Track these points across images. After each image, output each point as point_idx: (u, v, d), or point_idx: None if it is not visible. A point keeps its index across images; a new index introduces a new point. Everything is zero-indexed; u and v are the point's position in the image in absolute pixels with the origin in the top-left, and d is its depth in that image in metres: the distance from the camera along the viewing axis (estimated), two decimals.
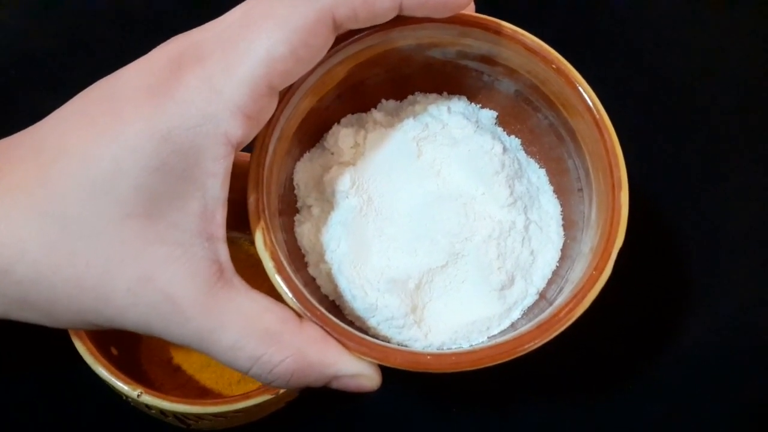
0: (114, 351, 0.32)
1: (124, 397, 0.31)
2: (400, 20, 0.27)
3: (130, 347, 0.35)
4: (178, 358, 0.35)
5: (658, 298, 0.40)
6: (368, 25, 0.26)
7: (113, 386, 0.30)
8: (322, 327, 0.25)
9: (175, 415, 0.31)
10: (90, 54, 0.45)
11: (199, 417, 0.31)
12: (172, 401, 0.30)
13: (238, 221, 0.27)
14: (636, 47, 0.47)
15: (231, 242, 0.27)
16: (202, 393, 0.35)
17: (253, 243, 0.38)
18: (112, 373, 0.30)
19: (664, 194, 0.43)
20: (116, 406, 0.34)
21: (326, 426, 0.36)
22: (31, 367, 0.36)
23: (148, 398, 0.30)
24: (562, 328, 0.25)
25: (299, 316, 0.25)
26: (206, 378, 0.35)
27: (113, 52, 0.44)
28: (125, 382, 0.30)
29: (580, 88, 0.28)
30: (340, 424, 0.36)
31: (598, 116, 0.28)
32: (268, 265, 0.25)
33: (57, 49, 0.45)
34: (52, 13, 0.46)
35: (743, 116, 0.45)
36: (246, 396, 0.30)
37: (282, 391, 0.30)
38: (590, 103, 0.28)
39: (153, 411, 0.31)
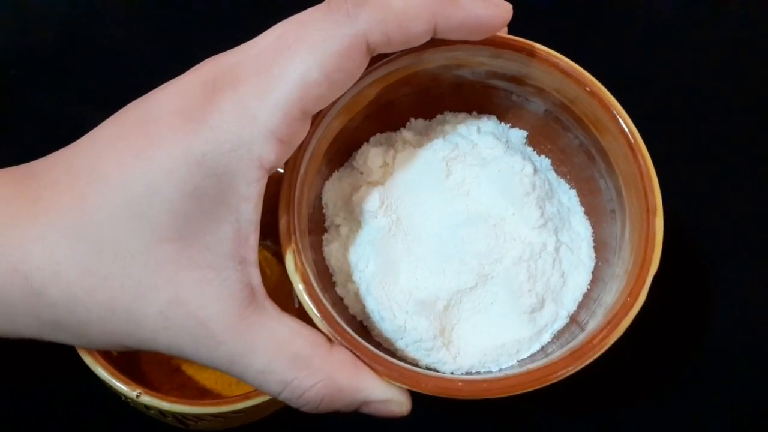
0: (113, 351, 0.32)
1: (124, 398, 0.31)
2: (433, 42, 0.26)
3: None
4: (178, 358, 0.35)
5: (675, 307, 0.40)
6: (401, 48, 0.26)
7: (112, 387, 0.30)
8: (352, 351, 0.25)
9: (175, 415, 0.30)
10: (90, 54, 0.45)
11: (198, 417, 0.31)
12: (171, 402, 0.30)
13: None
14: (639, 49, 0.47)
15: None
16: (202, 393, 0.35)
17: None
18: (111, 373, 0.30)
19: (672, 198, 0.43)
20: (115, 407, 0.34)
21: (327, 426, 0.36)
22: (31, 368, 0.36)
23: (148, 399, 0.30)
24: (596, 355, 0.25)
25: (329, 339, 0.25)
26: (205, 378, 0.35)
27: (114, 53, 0.45)
28: (124, 383, 0.30)
29: (614, 111, 0.28)
30: (340, 424, 0.36)
31: (632, 140, 0.27)
32: (299, 287, 0.25)
33: (57, 49, 0.45)
34: (52, 13, 0.46)
35: (748, 119, 0.45)
36: (245, 396, 0.30)
37: None
38: (625, 127, 0.27)
39: (152, 411, 0.31)
